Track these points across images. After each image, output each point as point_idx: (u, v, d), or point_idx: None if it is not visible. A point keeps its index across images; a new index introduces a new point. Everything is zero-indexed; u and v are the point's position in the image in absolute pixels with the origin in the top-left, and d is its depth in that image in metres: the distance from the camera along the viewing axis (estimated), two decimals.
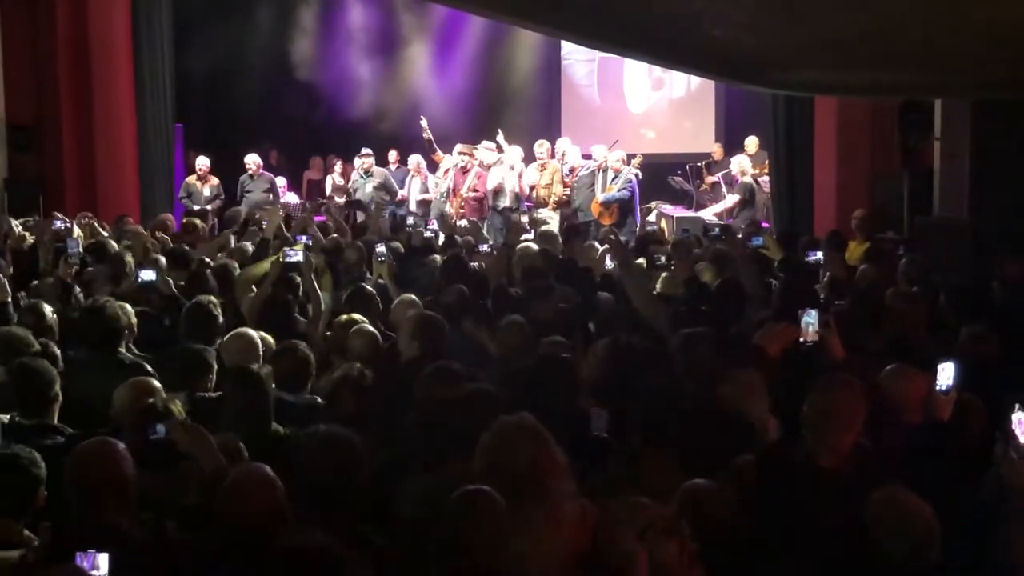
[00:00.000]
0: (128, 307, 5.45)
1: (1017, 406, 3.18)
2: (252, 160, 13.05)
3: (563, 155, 12.84)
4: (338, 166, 14.46)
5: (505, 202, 12.46)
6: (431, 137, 13.62)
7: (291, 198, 13.45)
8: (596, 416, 4.13)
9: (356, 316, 5.60)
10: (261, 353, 5.07)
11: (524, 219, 11.12)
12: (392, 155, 14.18)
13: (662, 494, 3.19)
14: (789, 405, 3.81)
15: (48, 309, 5.61)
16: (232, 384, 4.30)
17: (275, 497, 3.17)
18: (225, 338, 5.25)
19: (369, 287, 6.54)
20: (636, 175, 12.34)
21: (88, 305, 5.50)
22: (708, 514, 3.11)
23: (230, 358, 4.97)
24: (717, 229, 8.34)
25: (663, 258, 7.17)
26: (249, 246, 8.26)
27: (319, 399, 4.64)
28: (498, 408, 3.52)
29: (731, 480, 3.44)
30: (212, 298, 5.82)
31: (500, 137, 13.16)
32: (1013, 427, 3.11)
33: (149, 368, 4.92)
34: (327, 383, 4.58)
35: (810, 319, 4.37)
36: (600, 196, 12.17)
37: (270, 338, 5.31)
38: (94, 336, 5.21)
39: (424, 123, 13.69)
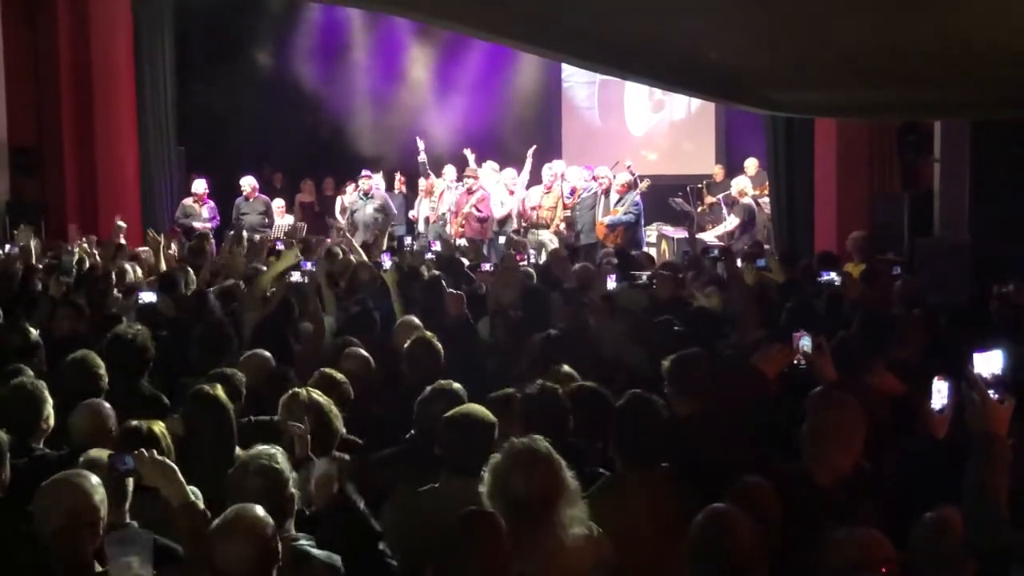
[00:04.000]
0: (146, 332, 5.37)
1: (976, 353, 3.23)
2: (247, 183, 13.01)
3: (562, 175, 12.86)
4: (350, 188, 14.51)
5: (513, 226, 12.48)
6: (425, 160, 13.65)
7: (288, 220, 13.47)
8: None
9: (349, 339, 5.57)
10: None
11: (516, 236, 11.16)
12: (397, 179, 14.23)
13: (647, 516, 3.18)
14: (786, 426, 3.80)
15: (32, 329, 5.56)
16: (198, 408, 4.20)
17: (265, 537, 3.01)
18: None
19: (374, 310, 6.54)
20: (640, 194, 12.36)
21: (119, 333, 5.33)
22: (738, 537, 3.07)
23: None
24: (716, 251, 8.32)
25: (644, 277, 7.16)
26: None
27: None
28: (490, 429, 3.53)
29: (741, 502, 3.39)
30: (224, 318, 5.82)
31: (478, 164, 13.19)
32: (974, 373, 3.16)
33: (166, 402, 4.87)
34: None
35: (805, 342, 4.41)
36: (605, 219, 12.16)
37: None
38: (121, 366, 5.08)
39: (421, 145, 13.72)
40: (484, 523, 2.95)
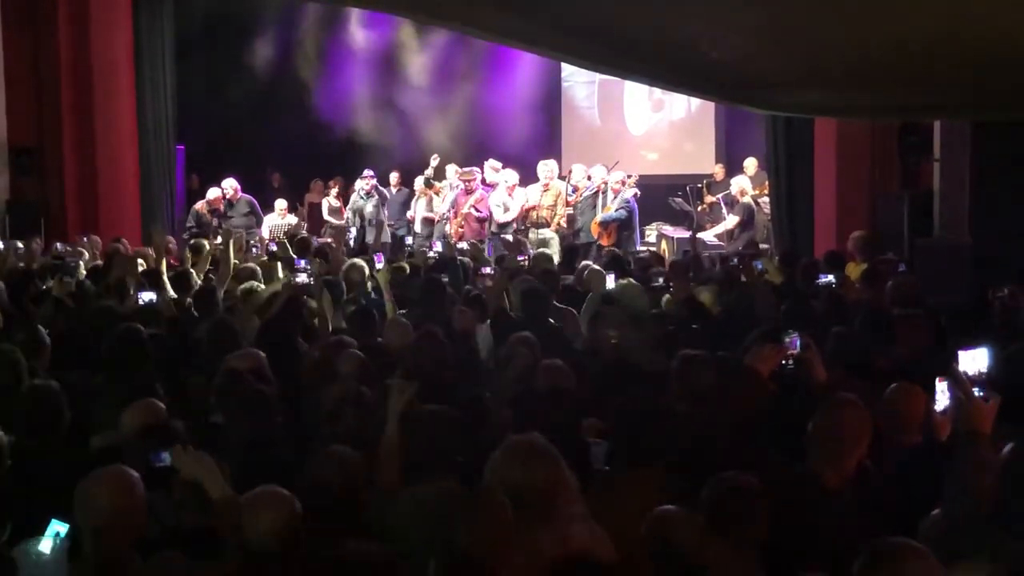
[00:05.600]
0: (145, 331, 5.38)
1: (961, 352, 3.28)
2: (229, 185, 12.90)
3: (570, 173, 12.86)
4: (335, 189, 14.51)
5: (513, 227, 12.48)
6: (432, 175, 13.63)
7: (289, 220, 13.46)
8: (596, 448, 4.12)
9: (345, 338, 5.57)
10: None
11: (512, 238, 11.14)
12: (393, 177, 14.22)
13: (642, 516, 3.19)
14: (779, 425, 3.81)
15: (42, 330, 5.58)
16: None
17: (291, 514, 3.14)
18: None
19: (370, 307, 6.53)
20: (635, 194, 12.34)
21: (122, 329, 5.36)
22: (676, 541, 3.08)
23: None
24: (736, 260, 8.32)
25: (661, 279, 7.17)
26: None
27: None
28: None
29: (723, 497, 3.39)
30: (231, 317, 5.83)
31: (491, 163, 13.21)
32: (961, 372, 3.19)
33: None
34: (327, 401, 4.55)
35: (794, 342, 4.43)
36: (598, 216, 12.18)
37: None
38: (123, 360, 5.11)
39: (434, 161, 13.70)
40: (490, 500, 2.98)
